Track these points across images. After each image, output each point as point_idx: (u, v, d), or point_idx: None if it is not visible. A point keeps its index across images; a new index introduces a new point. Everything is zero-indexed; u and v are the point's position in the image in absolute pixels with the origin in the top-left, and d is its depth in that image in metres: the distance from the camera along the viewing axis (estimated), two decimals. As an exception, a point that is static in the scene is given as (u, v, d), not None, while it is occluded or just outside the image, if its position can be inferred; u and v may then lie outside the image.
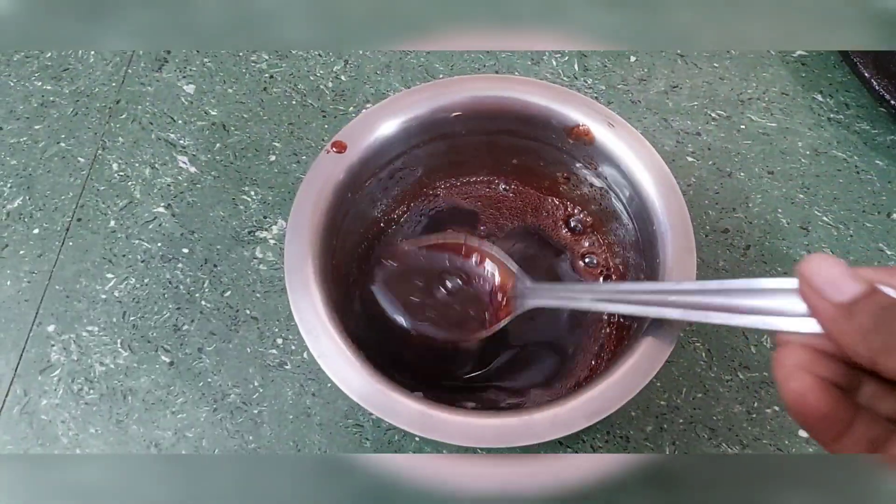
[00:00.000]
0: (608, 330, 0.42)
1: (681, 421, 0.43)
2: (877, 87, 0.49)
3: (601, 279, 0.44)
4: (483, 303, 0.39)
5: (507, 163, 0.45)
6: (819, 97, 0.53)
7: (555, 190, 0.46)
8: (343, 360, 0.34)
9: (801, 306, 0.25)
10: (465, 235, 0.40)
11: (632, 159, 0.39)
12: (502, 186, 0.47)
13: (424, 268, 0.40)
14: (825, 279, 0.24)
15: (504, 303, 0.38)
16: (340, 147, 0.39)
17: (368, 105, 0.41)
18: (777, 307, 0.26)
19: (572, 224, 0.45)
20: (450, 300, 0.39)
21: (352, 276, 0.43)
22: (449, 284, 0.40)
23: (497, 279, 0.39)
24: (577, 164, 0.42)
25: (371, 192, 0.42)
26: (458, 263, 0.40)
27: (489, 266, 0.39)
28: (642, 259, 0.40)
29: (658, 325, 0.34)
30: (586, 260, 0.45)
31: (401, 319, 0.39)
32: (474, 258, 0.40)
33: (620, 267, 0.44)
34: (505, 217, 0.46)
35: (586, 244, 0.45)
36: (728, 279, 0.32)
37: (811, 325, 0.25)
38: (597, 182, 0.42)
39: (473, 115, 0.41)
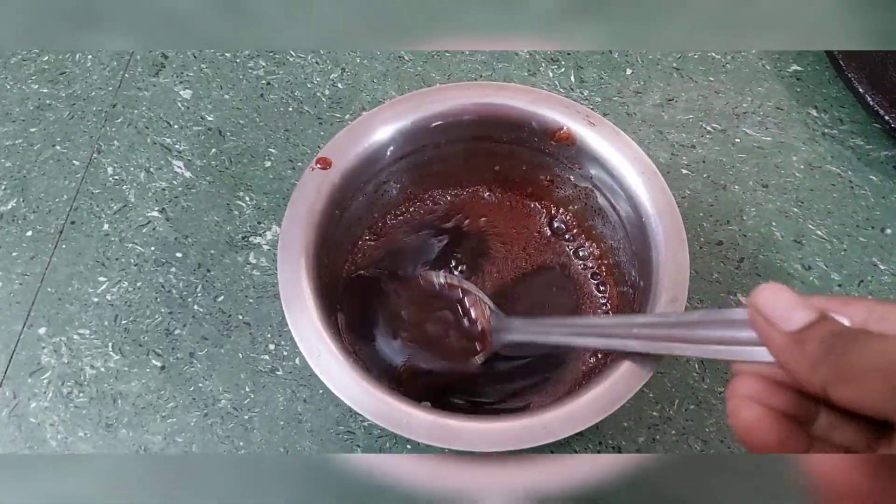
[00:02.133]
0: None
1: (673, 432, 0.42)
2: (871, 103, 0.50)
3: (591, 280, 0.44)
4: (470, 336, 0.40)
5: (490, 169, 0.45)
6: (814, 112, 0.53)
7: (538, 193, 0.46)
8: (348, 378, 0.34)
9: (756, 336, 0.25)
10: (446, 276, 0.41)
11: (614, 155, 0.40)
12: (486, 194, 0.47)
13: (416, 300, 0.42)
14: (775, 308, 0.23)
15: (486, 337, 0.40)
16: (325, 163, 0.39)
17: (364, 113, 0.41)
18: (734, 337, 0.26)
19: (555, 225, 0.46)
20: (439, 333, 0.41)
21: (344, 291, 0.43)
22: (439, 319, 0.41)
23: (477, 315, 0.40)
24: (560, 166, 0.43)
25: (357, 207, 0.42)
26: (445, 299, 0.41)
27: (471, 302, 0.40)
28: (634, 252, 0.40)
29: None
30: (579, 257, 0.45)
31: (392, 346, 0.41)
32: (459, 294, 0.41)
33: (612, 264, 0.44)
34: (490, 224, 0.46)
35: (574, 245, 0.45)
36: (690, 312, 0.33)
37: (765, 355, 0.24)
38: (581, 182, 0.43)
39: (453, 123, 0.42)
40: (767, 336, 0.23)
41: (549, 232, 0.46)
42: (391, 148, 0.41)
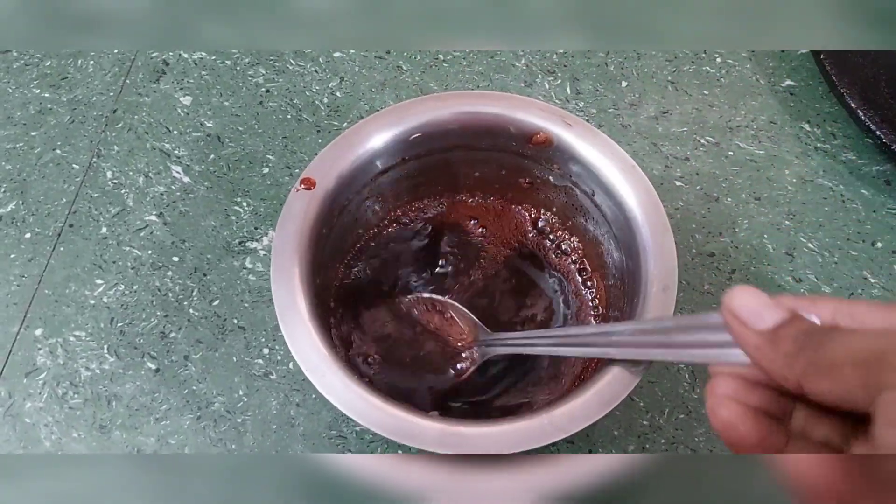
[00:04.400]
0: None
1: (663, 441, 0.43)
2: (863, 118, 0.50)
3: (579, 275, 0.45)
4: (455, 353, 0.42)
5: (470, 176, 0.46)
6: (807, 126, 0.54)
7: (519, 196, 0.47)
8: (353, 394, 0.34)
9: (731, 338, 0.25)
10: (430, 296, 0.43)
11: (590, 152, 0.40)
12: (468, 201, 0.47)
13: (404, 320, 0.44)
14: (748, 309, 0.24)
15: (471, 352, 0.41)
16: (309, 184, 0.39)
17: (346, 130, 0.41)
18: (710, 341, 0.27)
19: (540, 225, 0.46)
20: (427, 350, 0.42)
21: (338, 307, 0.44)
22: (425, 337, 0.43)
23: (464, 331, 0.42)
24: (539, 168, 0.43)
25: (343, 224, 0.43)
26: (430, 317, 0.43)
27: (457, 318, 0.43)
28: (620, 244, 0.41)
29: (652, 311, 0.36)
30: (564, 253, 0.46)
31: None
32: (446, 313, 0.43)
33: (599, 259, 0.44)
34: (476, 230, 0.47)
35: (558, 242, 0.46)
36: (666, 318, 0.35)
37: (741, 356, 0.25)
38: (560, 182, 0.43)
39: (431, 134, 0.42)
40: (742, 337, 0.24)
41: (534, 232, 0.46)
42: (373, 164, 0.41)
